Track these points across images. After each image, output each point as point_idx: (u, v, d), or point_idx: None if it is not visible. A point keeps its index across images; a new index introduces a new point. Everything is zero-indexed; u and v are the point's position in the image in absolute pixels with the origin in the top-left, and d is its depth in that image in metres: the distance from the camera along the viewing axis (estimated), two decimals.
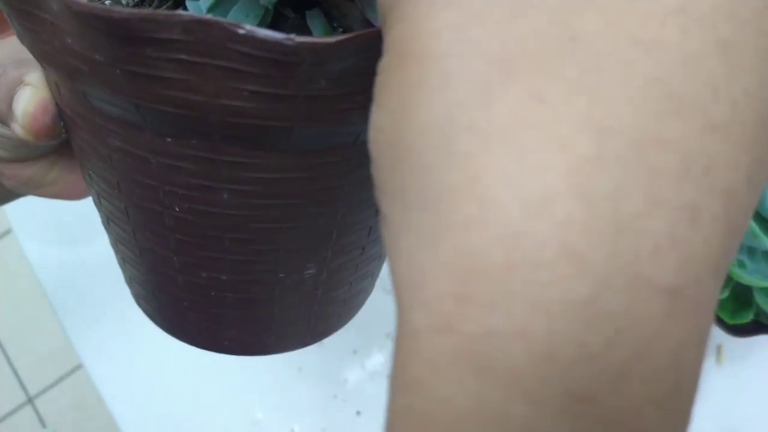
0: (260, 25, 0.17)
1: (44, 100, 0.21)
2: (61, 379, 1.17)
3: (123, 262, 0.25)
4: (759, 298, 0.38)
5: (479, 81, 0.10)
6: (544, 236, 0.10)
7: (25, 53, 0.21)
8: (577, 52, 0.10)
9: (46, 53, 0.18)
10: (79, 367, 1.17)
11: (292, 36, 0.14)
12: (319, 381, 0.50)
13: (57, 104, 0.21)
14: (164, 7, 0.18)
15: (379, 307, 0.54)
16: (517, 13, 0.10)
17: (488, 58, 0.10)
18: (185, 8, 0.18)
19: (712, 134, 0.10)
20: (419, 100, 0.11)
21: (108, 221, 0.24)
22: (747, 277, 0.36)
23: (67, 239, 0.54)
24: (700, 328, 0.11)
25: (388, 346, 0.53)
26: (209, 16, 0.14)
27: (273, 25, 0.18)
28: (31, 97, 0.21)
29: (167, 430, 0.49)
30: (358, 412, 0.49)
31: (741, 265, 0.37)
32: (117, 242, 0.24)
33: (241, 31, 0.14)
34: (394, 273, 0.12)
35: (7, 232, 1.22)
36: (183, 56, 0.15)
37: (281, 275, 0.22)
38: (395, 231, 0.12)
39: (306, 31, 0.18)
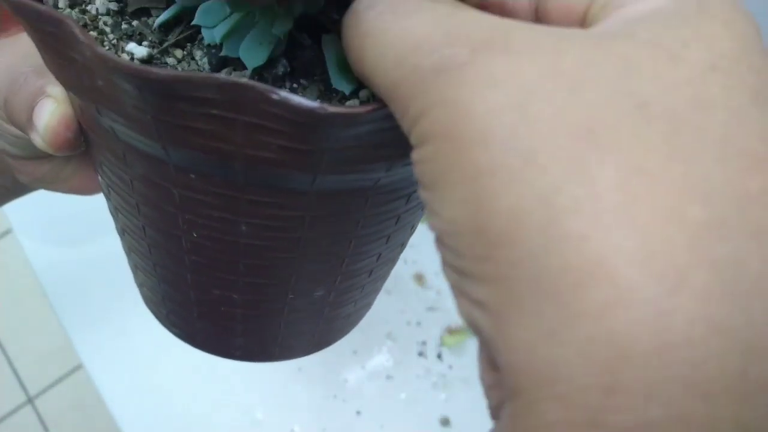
0: (273, 51, 0.17)
1: (67, 115, 0.21)
2: (61, 379, 1.17)
3: (135, 268, 0.26)
4: None
5: (570, 157, 0.10)
6: (690, 312, 0.09)
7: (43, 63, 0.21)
8: (653, 120, 0.10)
9: (73, 86, 0.18)
10: (79, 367, 1.17)
11: (325, 105, 0.14)
12: (319, 381, 0.50)
13: (79, 122, 0.21)
14: (182, 34, 0.18)
15: (379, 307, 0.54)
16: (575, 85, 0.10)
17: (569, 132, 0.10)
18: (200, 34, 0.18)
19: None
20: (499, 186, 0.10)
21: (123, 232, 0.24)
22: None
23: (67, 239, 0.54)
24: None
25: (388, 346, 0.53)
26: (246, 80, 0.14)
27: (288, 52, 0.18)
28: (54, 111, 0.21)
29: (167, 430, 0.48)
30: (358, 412, 0.49)
31: None
32: (130, 251, 0.24)
33: (275, 97, 0.14)
34: (507, 366, 0.11)
35: (7, 232, 1.22)
36: (215, 111, 0.15)
37: (291, 296, 0.22)
38: (505, 320, 0.11)
39: (321, 57, 0.18)
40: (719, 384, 0.09)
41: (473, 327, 0.12)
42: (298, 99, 0.14)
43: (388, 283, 0.55)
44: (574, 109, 0.10)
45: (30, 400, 1.17)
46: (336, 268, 0.22)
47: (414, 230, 0.25)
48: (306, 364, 0.51)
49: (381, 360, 0.52)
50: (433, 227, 0.12)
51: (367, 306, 0.29)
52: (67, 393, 1.17)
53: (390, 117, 0.15)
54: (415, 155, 0.12)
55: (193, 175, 0.18)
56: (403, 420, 0.49)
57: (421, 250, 0.57)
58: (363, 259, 0.23)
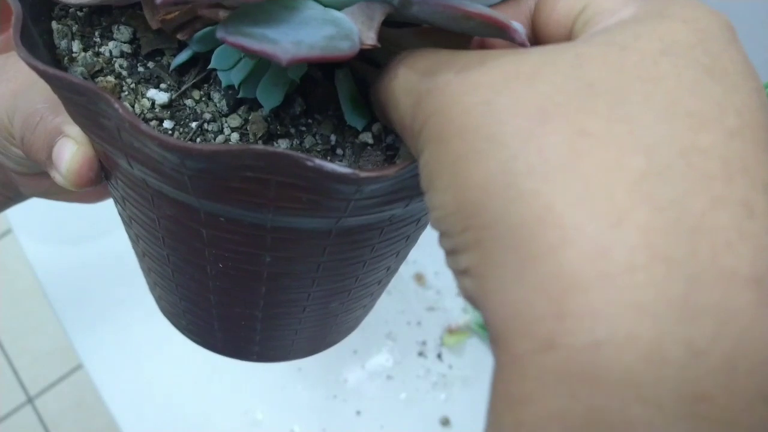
0: (288, 91, 0.18)
1: (88, 156, 0.21)
2: (61, 379, 1.17)
3: (154, 284, 0.26)
4: None
5: (524, 133, 0.12)
6: (630, 243, 0.10)
7: (56, 98, 0.20)
8: (598, 94, 0.12)
9: (102, 138, 0.18)
10: (79, 367, 1.17)
11: (357, 171, 0.15)
12: (319, 381, 0.50)
13: (99, 160, 0.21)
14: (198, 76, 0.18)
15: (379, 307, 0.54)
16: (532, 80, 0.12)
17: (525, 115, 0.12)
18: (214, 72, 0.18)
19: (734, 139, 0.11)
20: (471, 165, 0.12)
21: (143, 255, 0.24)
22: None
23: (67, 240, 0.54)
24: None
25: (388, 346, 0.53)
26: (281, 150, 0.15)
27: (301, 88, 0.19)
28: (75, 153, 0.21)
29: (167, 430, 0.48)
30: (358, 412, 0.49)
31: None
32: (150, 271, 0.25)
33: (310, 164, 0.15)
34: (489, 318, 0.12)
35: (7, 232, 1.22)
36: (250, 174, 0.16)
37: (308, 310, 0.24)
38: (482, 280, 0.12)
39: (333, 92, 0.19)
40: (663, 306, 0.10)
41: (469, 299, 0.13)
42: (330, 166, 0.15)
43: (389, 284, 0.55)
44: (529, 98, 0.12)
45: (30, 400, 1.17)
46: (350, 285, 0.24)
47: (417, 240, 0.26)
48: (306, 364, 0.51)
49: (381, 360, 0.52)
50: (432, 224, 0.14)
51: (372, 307, 0.31)
52: (67, 393, 1.17)
53: (412, 170, 0.16)
54: (419, 165, 0.14)
55: (222, 219, 0.18)
56: (403, 420, 0.49)
57: (421, 250, 0.57)
58: (375, 274, 0.24)
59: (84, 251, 0.54)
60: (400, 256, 0.25)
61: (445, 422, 0.49)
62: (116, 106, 0.15)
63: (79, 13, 0.20)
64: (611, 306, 0.10)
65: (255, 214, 0.18)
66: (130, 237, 0.25)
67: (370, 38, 0.15)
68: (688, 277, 0.10)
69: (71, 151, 0.21)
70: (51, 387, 1.17)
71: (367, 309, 0.29)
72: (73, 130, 0.21)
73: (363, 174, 0.15)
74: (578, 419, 0.10)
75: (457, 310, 0.54)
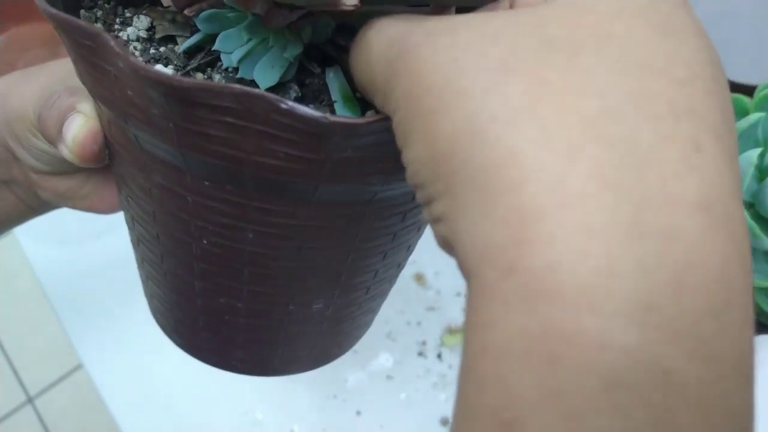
0: (285, 76, 0.19)
1: (94, 129, 0.23)
2: (61, 379, 1.17)
3: (146, 278, 0.27)
4: (759, 298, 0.38)
5: (487, 85, 0.13)
6: (583, 175, 0.12)
7: (77, 84, 0.22)
8: (556, 49, 0.13)
9: (105, 97, 0.19)
10: (79, 367, 1.17)
11: (327, 115, 0.16)
12: (319, 381, 0.50)
13: (105, 135, 0.23)
14: (204, 59, 0.20)
15: None
16: (497, 37, 0.13)
17: (488, 69, 0.13)
18: (220, 60, 0.20)
19: (683, 87, 0.13)
20: (441, 117, 0.13)
21: (138, 242, 0.25)
22: None
23: (67, 240, 0.54)
24: (739, 247, 0.12)
25: (388, 346, 0.53)
26: (258, 90, 0.16)
27: (299, 78, 0.20)
28: (83, 125, 0.23)
29: (167, 430, 0.48)
30: (358, 412, 0.49)
31: None
32: (144, 261, 0.26)
33: (283, 106, 0.16)
34: (461, 258, 0.13)
35: (8, 232, 1.22)
36: (229, 119, 0.16)
37: (291, 307, 0.24)
38: (453, 223, 0.13)
39: (327, 88, 0.20)
40: (613, 227, 0.11)
41: (444, 246, 0.14)
42: (303, 108, 0.16)
43: None
44: (492, 54, 0.13)
45: (30, 400, 1.17)
46: (334, 282, 0.24)
47: (410, 252, 0.27)
48: None
49: (381, 360, 0.52)
50: (408, 179, 0.15)
51: (365, 325, 0.30)
52: (67, 393, 1.17)
53: (386, 131, 0.17)
54: (394, 125, 0.15)
55: (207, 183, 0.19)
56: (403, 420, 0.49)
57: (421, 250, 0.57)
58: (360, 275, 0.24)
59: (84, 251, 0.54)
60: (387, 260, 0.25)
61: (445, 422, 0.49)
62: (111, 43, 0.17)
63: (106, 5, 0.22)
64: (565, 230, 0.11)
65: (236, 174, 0.18)
66: (127, 222, 0.26)
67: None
68: (637, 202, 0.11)
69: (79, 123, 0.23)
70: (51, 387, 1.17)
71: (356, 325, 0.28)
72: (85, 106, 0.23)
73: (333, 118, 0.16)
74: (537, 333, 0.11)
75: (457, 310, 0.54)
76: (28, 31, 0.58)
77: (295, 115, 0.16)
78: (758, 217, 0.36)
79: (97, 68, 0.18)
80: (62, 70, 0.26)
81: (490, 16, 0.14)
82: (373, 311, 0.29)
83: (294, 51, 0.18)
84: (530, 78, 0.12)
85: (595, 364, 0.11)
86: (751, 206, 0.36)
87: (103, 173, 0.28)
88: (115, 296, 0.52)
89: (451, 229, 0.13)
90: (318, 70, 0.20)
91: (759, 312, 0.40)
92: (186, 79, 0.16)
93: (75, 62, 0.20)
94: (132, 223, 0.25)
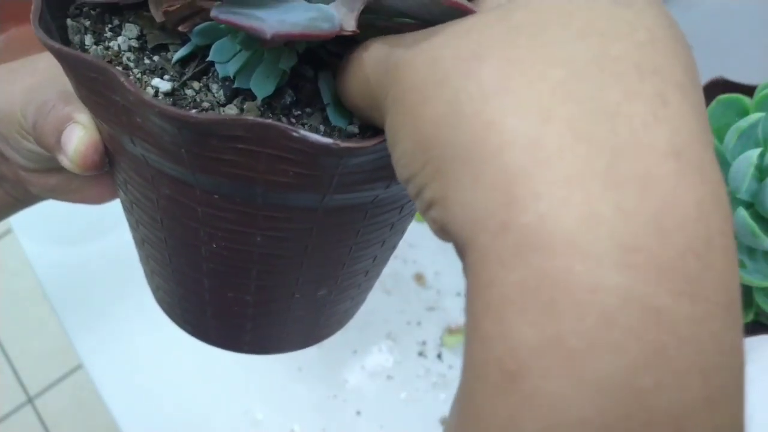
0: (279, 83, 0.19)
1: (95, 140, 0.23)
2: (61, 379, 1.18)
3: (152, 273, 0.27)
4: (759, 298, 0.38)
5: (463, 72, 0.14)
6: (556, 132, 0.12)
7: (70, 91, 0.23)
8: (522, 32, 0.14)
9: (109, 120, 0.20)
10: (79, 367, 1.17)
11: (338, 141, 0.17)
12: (319, 381, 0.50)
13: (105, 145, 0.23)
14: (198, 68, 0.20)
15: (379, 307, 0.54)
16: (468, 32, 0.14)
17: (463, 59, 0.14)
18: (214, 67, 0.20)
19: (645, 48, 0.13)
20: (424, 108, 0.14)
21: (143, 242, 0.26)
22: (747, 277, 0.36)
23: (67, 239, 0.54)
24: (713, 189, 0.12)
25: (389, 346, 0.53)
26: (270, 121, 0.17)
27: (292, 83, 0.20)
28: (83, 137, 0.23)
29: (167, 430, 0.49)
30: (358, 412, 0.49)
31: (741, 265, 0.37)
32: (149, 259, 0.26)
33: (295, 134, 0.16)
34: (455, 235, 0.14)
35: (8, 232, 1.22)
36: (241, 145, 0.17)
37: (297, 296, 0.25)
38: (444, 202, 0.14)
39: (320, 91, 0.20)
40: (590, 176, 0.12)
41: (438, 231, 0.15)
42: (315, 137, 0.17)
43: (388, 283, 0.55)
44: (464, 47, 0.14)
45: (30, 400, 1.17)
46: (337, 271, 0.24)
47: (404, 232, 0.28)
48: (306, 364, 0.51)
49: (381, 360, 0.52)
50: (399, 176, 0.16)
51: (362, 301, 0.31)
52: (67, 393, 1.17)
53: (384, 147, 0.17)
54: (385, 133, 0.16)
55: (216, 196, 0.20)
56: (403, 420, 0.49)
57: (421, 250, 0.57)
58: (361, 262, 0.25)
59: (84, 251, 0.54)
60: (386, 246, 0.26)
61: (445, 422, 0.49)
62: (122, 79, 0.17)
63: (92, 12, 0.22)
64: (547, 184, 0.12)
65: (246, 190, 0.19)
66: (130, 224, 0.26)
67: (351, 25, 0.16)
68: (610, 152, 0.12)
69: (79, 134, 0.23)
70: (51, 387, 1.17)
71: (355, 302, 0.30)
72: (82, 117, 0.23)
73: (343, 144, 0.17)
74: (533, 284, 0.12)
75: (457, 310, 0.54)
76: (28, 31, 0.57)
77: (306, 143, 0.17)
78: (758, 217, 0.36)
79: (102, 97, 0.19)
80: (48, 68, 0.26)
81: (464, 19, 0.15)
82: (370, 288, 0.31)
83: (289, 62, 0.19)
84: (500, 59, 0.13)
85: (589, 306, 0.11)
86: (751, 206, 0.36)
87: None
88: (115, 296, 0.52)
89: (443, 209, 0.14)
90: (311, 73, 0.20)
91: (759, 312, 0.40)
92: (201, 116, 0.16)
93: (76, 88, 0.21)
94: (136, 225, 0.25)
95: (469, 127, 0.13)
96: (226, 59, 0.19)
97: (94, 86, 0.19)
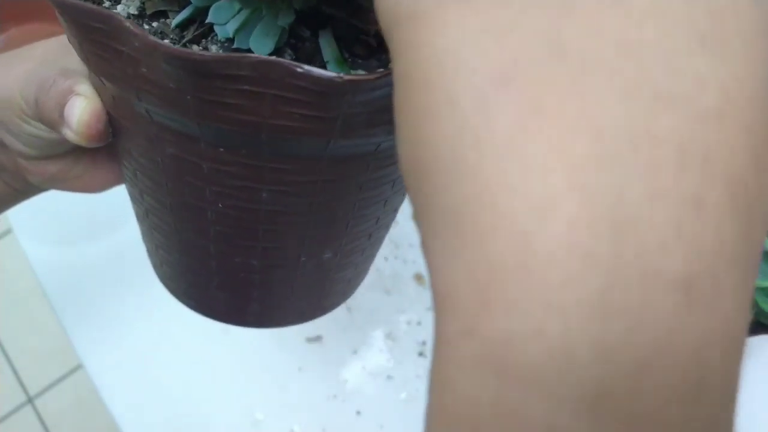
0: (278, 42, 0.19)
1: (97, 109, 0.23)
2: (61, 379, 1.18)
3: (156, 248, 0.28)
4: (758, 298, 0.38)
5: (479, 97, 0.11)
6: (553, 236, 0.10)
7: (64, 58, 0.23)
8: (566, 61, 0.11)
9: (114, 75, 0.20)
10: (79, 367, 1.17)
11: (342, 75, 0.17)
12: (319, 381, 0.50)
13: (108, 112, 0.23)
14: (197, 31, 0.20)
15: (379, 307, 0.54)
16: (504, 33, 0.11)
17: (485, 75, 0.11)
18: (213, 31, 0.20)
19: (705, 123, 0.10)
20: (429, 125, 0.12)
21: (147, 214, 0.26)
22: None
23: (67, 239, 0.54)
24: (724, 322, 0.10)
25: (389, 346, 0.53)
26: (274, 58, 0.16)
27: (291, 43, 0.20)
28: (86, 106, 0.23)
29: (167, 430, 0.49)
30: (358, 412, 0.49)
31: None
32: (153, 231, 0.26)
33: (299, 70, 0.16)
34: (433, 287, 0.12)
35: (8, 232, 1.22)
36: (246, 87, 0.17)
37: (303, 259, 0.25)
38: (429, 248, 0.12)
39: (319, 47, 0.20)
40: (574, 304, 0.10)
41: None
42: (318, 71, 0.16)
43: (388, 283, 0.55)
44: (494, 55, 0.11)
45: (30, 400, 1.17)
46: (341, 231, 0.25)
47: (405, 195, 0.27)
48: (306, 363, 0.51)
49: (381, 360, 0.52)
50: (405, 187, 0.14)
51: (364, 272, 0.31)
52: (67, 393, 1.17)
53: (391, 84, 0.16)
54: (393, 73, 0.14)
55: (222, 149, 0.20)
56: (403, 420, 0.49)
57: (421, 250, 0.57)
58: (364, 222, 0.25)
59: (84, 251, 0.54)
60: (388, 207, 0.26)
61: None
62: (127, 24, 0.17)
63: None
64: (525, 300, 0.10)
65: (251, 139, 0.19)
66: (133, 198, 0.26)
67: None
68: (607, 274, 0.10)
69: (81, 105, 0.23)
70: (51, 387, 1.17)
71: (358, 271, 0.30)
72: (83, 87, 0.23)
73: (347, 77, 0.17)
74: (486, 410, 0.11)
75: None
76: (28, 31, 0.58)
77: (311, 78, 0.16)
78: None
79: (108, 49, 0.19)
80: (45, 52, 0.26)
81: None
82: (372, 257, 0.30)
83: (287, 19, 0.19)
84: (525, 100, 0.11)
85: None
86: None
87: (92, 154, 0.28)
88: (115, 296, 0.52)
89: (426, 254, 0.13)
90: (307, 34, 0.21)
91: (759, 312, 0.40)
92: (207, 54, 0.17)
93: (80, 44, 0.21)
94: (140, 196, 0.25)
95: (464, 183, 0.11)
96: (224, 20, 0.19)
97: (98, 38, 0.19)
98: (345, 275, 0.28)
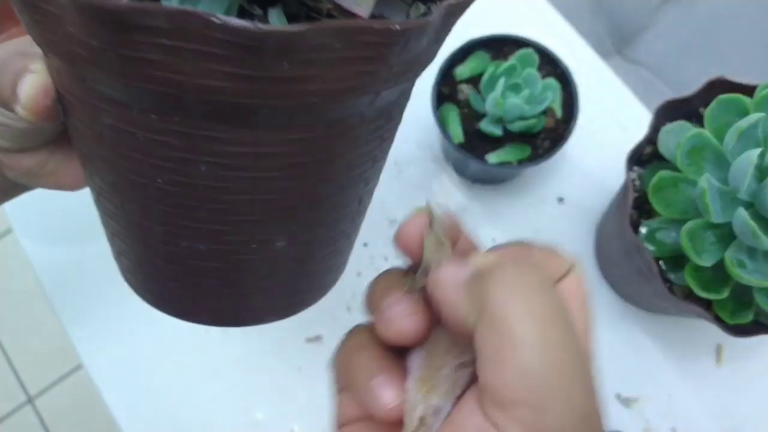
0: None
1: (45, 83, 0.23)
2: (61, 379, 1.18)
3: (112, 236, 0.27)
4: (759, 298, 0.38)
5: None
6: None
7: (28, 50, 0.23)
8: None
9: (50, 42, 0.20)
10: (79, 367, 1.17)
11: (259, 24, 0.16)
12: (320, 380, 0.50)
13: (57, 90, 0.23)
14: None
15: None
16: None
17: None
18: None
19: None
20: None
21: (98, 196, 0.25)
22: (747, 277, 0.36)
23: (67, 239, 0.54)
24: None
25: None
26: (190, 8, 0.16)
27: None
28: (34, 81, 0.23)
29: (167, 430, 0.49)
30: None
31: (741, 265, 0.37)
32: (106, 216, 0.26)
33: (216, 20, 0.16)
34: None
35: (8, 232, 1.23)
36: (165, 41, 0.17)
37: (253, 246, 0.24)
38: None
39: None
40: None
41: None
42: (235, 20, 0.16)
43: None
44: None
45: (30, 400, 1.17)
46: (292, 215, 0.23)
47: (370, 186, 0.26)
48: (306, 363, 0.51)
49: None
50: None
51: (335, 270, 0.29)
52: (67, 393, 1.17)
53: (324, 46, 0.17)
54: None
55: (154, 116, 0.19)
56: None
57: None
58: (318, 208, 0.24)
59: (84, 251, 0.54)
60: (349, 192, 0.25)
61: None
62: None
63: None
64: None
65: (178, 101, 0.18)
66: (87, 183, 0.26)
67: None
68: None
69: (30, 80, 0.23)
70: (51, 387, 1.17)
71: (324, 267, 0.28)
72: (37, 65, 0.23)
73: (266, 27, 0.16)
74: None
75: None
76: None
77: (228, 28, 0.16)
78: (758, 217, 0.36)
79: (38, 11, 0.19)
80: (18, 45, 0.26)
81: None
82: (340, 254, 0.28)
83: None
84: None
85: None
86: (751, 206, 0.36)
87: (66, 149, 0.28)
88: (115, 296, 0.52)
89: None
90: (260, 12, 0.20)
91: (759, 312, 0.40)
92: (118, 2, 0.16)
93: (20, 12, 0.21)
94: (91, 177, 0.25)
95: None
96: None
97: (35, 7, 0.19)
98: (308, 270, 0.27)
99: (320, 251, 0.26)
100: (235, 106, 0.18)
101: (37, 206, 0.55)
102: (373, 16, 0.22)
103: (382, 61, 0.19)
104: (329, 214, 0.25)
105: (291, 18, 0.21)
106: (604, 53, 0.72)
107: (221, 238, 0.23)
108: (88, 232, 0.55)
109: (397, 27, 0.18)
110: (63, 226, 0.55)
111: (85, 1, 0.16)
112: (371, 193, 0.27)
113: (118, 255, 0.27)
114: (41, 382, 1.17)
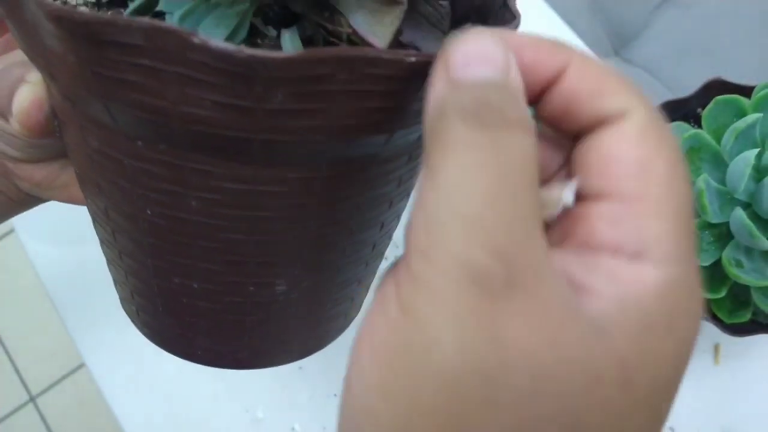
0: (233, 38, 0.17)
1: (39, 97, 0.22)
2: (63, 378, 1.18)
3: (108, 263, 0.26)
4: (757, 298, 0.38)
5: None
6: None
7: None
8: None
9: (33, 55, 0.18)
10: (81, 366, 1.17)
11: (242, 48, 0.14)
12: (320, 379, 0.51)
13: (52, 107, 0.22)
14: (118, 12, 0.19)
15: None
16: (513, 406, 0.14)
17: None
18: (156, 15, 0.19)
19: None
20: None
21: (94, 221, 0.24)
22: (745, 277, 0.36)
23: (69, 239, 0.55)
24: None
25: None
26: (167, 24, 0.14)
27: (251, 41, 0.18)
28: (27, 93, 0.22)
29: (168, 428, 0.49)
30: None
31: (739, 264, 0.37)
32: (102, 243, 0.25)
33: (195, 40, 0.14)
34: None
35: (10, 231, 1.23)
36: (145, 61, 0.15)
37: (251, 288, 0.22)
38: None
39: (279, 49, 0.18)
40: None
41: None
42: (216, 42, 0.14)
43: None
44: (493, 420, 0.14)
45: (32, 399, 1.17)
46: (294, 259, 0.21)
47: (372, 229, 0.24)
48: (306, 362, 0.51)
49: None
50: None
51: (343, 316, 0.27)
52: (69, 392, 1.17)
53: (317, 70, 0.14)
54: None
55: (140, 143, 0.17)
56: None
57: None
58: (325, 252, 0.21)
59: (86, 251, 0.54)
60: (357, 235, 0.22)
61: None
62: None
63: None
64: None
65: (163, 129, 0.16)
66: (87, 207, 0.24)
67: None
68: None
69: (24, 92, 0.22)
70: (53, 386, 1.18)
71: (331, 315, 0.25)
72: (33, 75, 0.22)
73: (248, 52, 0.14)
74: None
75: None
76: None
77: (208, 50, 0.14)
78: (756, 217, 0.36)
79: (21, 22, 0.17)
80: (17, 56, 0.25)
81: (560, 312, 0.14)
82: (350, 299, 0.26)
83: (241, 6, 0.17)
84: None
85: None
86: (748, 206, 0.37)
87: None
88: (117, 296, 0.53)
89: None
90: (274, 33, 0.18)
91: (757, 311, 0.41)
92: (88, 13, 0.14)
93: (7, 22, 0.19)
94: (87, 200, 0.23)
95: None
96: (177, 8, 0.17)
97: (10, 12, 0.17)
98: (312, 317, 0.24)
99: (327, 297, 0.24)
100: (226, 138, 0.16)
101: (39, 206, 0.55)
102: (403, 46, 0.20)
103: (396, 97, 0.16)
104: (338, 259, 0.22)
105: (307, 41, 0.19)
106: (602, 54, 0.72)
107: (216, 278, 0.21)
108: (90, 232, 0.55)
109: (412, 59, 0.15)
110: (65, 226, 0.55)
111: (53, 10, 0.15)
112: (390, 236, 0.25)
113: (114, 283, 0.26)
114: (43, 382, 1.18)
